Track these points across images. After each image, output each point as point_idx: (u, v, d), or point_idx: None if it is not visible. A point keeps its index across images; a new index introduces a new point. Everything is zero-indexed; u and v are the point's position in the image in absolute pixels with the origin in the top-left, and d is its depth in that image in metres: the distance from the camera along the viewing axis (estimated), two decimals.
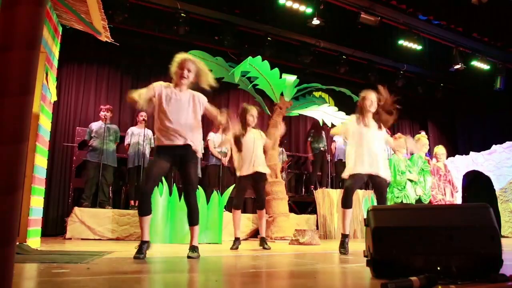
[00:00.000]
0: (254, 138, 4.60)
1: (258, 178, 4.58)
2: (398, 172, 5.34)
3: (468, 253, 1.86)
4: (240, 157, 4.56)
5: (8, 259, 1.11)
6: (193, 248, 3.13)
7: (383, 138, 4.08)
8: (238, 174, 4.58)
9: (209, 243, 5.42)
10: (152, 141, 7.10)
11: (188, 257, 3.05)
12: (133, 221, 5.92)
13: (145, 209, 3.09)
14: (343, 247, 3.72)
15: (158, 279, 2.10)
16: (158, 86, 3.28)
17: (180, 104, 3.23)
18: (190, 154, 3.18)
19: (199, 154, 3.28)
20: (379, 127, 4.03)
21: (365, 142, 3.89)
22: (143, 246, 3.04)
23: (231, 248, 4.38)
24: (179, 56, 3.37)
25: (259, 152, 4.61)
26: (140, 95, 3.15)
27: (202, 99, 3.40)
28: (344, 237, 3.78)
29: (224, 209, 6.01)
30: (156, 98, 3.23)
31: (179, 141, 3.13)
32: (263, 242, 4.52)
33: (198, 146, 3.25)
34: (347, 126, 4.08)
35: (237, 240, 4.54)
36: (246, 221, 6.87)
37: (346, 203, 3.80)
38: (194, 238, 3.20)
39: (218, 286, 1.82)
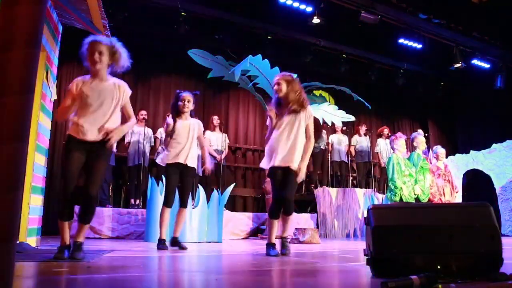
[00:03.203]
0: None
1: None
2: (398, 171, 5.34)
3: (468, 252, 1.86)
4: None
5: (8, 257, 1.11)
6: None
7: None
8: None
9: (209, 242, 5.42)
10: (152, 139, 7.11)
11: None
12: (133, 220, 5.93)
13: None
14: None
15: (158, 278, 2.10)
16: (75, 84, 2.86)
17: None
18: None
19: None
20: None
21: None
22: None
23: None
24: (86, 40, 2.91)
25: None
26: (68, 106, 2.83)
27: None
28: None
29: (224, 208, 6.01)
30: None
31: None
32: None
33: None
34: None
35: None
36: (246, 220, 6.88)
37: None
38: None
39: (218, 285, 1.82)
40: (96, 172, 2.81)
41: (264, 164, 3.65)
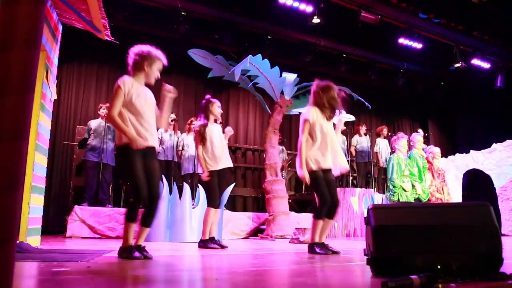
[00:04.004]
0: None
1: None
2: (398, 171, 5.34)
3: (468, 252, 1.86)
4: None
5: (8, 257, 1.11)
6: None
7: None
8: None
9: None
10: None
11: None
12: None
13: None
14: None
15: (158, 278, 2.10)
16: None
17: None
18: None
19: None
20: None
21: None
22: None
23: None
24: (162, 57, 3.16)
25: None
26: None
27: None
28: None
29: (224, 208, 6.01)
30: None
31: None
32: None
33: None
34: None
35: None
36: (246, 220, 6.88)
37: None
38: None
39: (218, 284, 1.82)
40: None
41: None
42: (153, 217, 3.00)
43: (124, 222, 2.94)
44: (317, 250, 3.51)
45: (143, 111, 2.98)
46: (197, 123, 4.53)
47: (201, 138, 4.34)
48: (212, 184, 4.33)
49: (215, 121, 4.56)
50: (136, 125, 2.94)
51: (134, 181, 2.88)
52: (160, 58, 3.13)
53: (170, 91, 3.10)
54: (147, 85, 3.16)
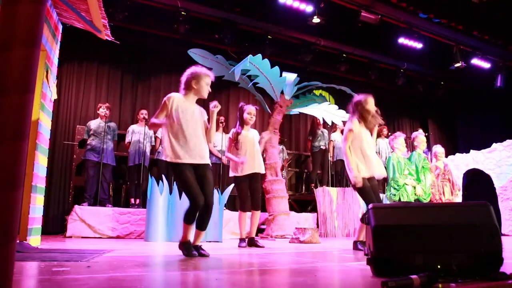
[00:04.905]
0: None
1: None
2: (399, 169, 5.33)
3: (468, 251, 1.86)
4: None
5: (8, 257, 1.11)
6: None
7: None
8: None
9: (210, 242, 5.42)
10: (153, 139, 7.11)
11: None
12: (133, 219, 5.94)
13: None
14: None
15: (158, 277, 2.10)
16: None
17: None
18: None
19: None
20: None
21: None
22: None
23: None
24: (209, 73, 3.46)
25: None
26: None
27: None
28: None
29: (224, 207, 6.00)
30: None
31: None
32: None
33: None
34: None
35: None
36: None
37: None
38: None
39: (218, 284, 1.82)
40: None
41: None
42: (208, 221, 3.35)
43: (183, 224, 3.30)
44: (360, 247, 3.93)
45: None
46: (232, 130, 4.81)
47: (234, 144, 4.63)
48: (240, 188, 4.61)
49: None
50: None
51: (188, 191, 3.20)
52: (207, 74, 3.42)
53: (216, 106, 3.36)
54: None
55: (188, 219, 3.27)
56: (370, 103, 4.11)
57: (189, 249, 3.22)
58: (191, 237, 3.33)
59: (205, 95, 3.39)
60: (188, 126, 3.23)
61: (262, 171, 4.73)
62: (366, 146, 4.01)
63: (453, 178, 6.30)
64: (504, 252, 1.86)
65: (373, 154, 4.08)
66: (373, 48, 9.07)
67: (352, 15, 7.48)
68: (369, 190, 3.93)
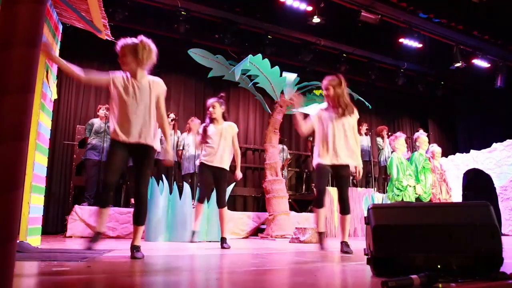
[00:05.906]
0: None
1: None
2: (402, 170, 5.33)
3: (468, 251, 1.86)
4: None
5: (8, 257, 1.11)
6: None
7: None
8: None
9: (210, 241, 5.42)
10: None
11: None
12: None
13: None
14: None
15: (158, 277, 2.10)
16: None
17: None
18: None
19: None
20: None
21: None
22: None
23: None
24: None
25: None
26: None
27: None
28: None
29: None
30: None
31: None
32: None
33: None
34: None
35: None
36: (246, 219, 6.88)
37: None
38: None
39: (218, 284, 1.82)
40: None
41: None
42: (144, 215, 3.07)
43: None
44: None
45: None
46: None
47: (202, 137, 4.50)
48: (201, 176, 4.48)
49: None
50: None
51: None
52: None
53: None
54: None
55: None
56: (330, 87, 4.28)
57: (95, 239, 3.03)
58: (102, 226, 3.07)
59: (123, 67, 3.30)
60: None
61: (226, 168, 4.44)
62: (330, 133, 3.97)
63: (447, 179, 6.30)
64: (504, 252, 1.85)
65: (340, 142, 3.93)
66: (373, 48, 9.07)
67: (352, 15, 7.48)
68: (319, 175, 3.91)
